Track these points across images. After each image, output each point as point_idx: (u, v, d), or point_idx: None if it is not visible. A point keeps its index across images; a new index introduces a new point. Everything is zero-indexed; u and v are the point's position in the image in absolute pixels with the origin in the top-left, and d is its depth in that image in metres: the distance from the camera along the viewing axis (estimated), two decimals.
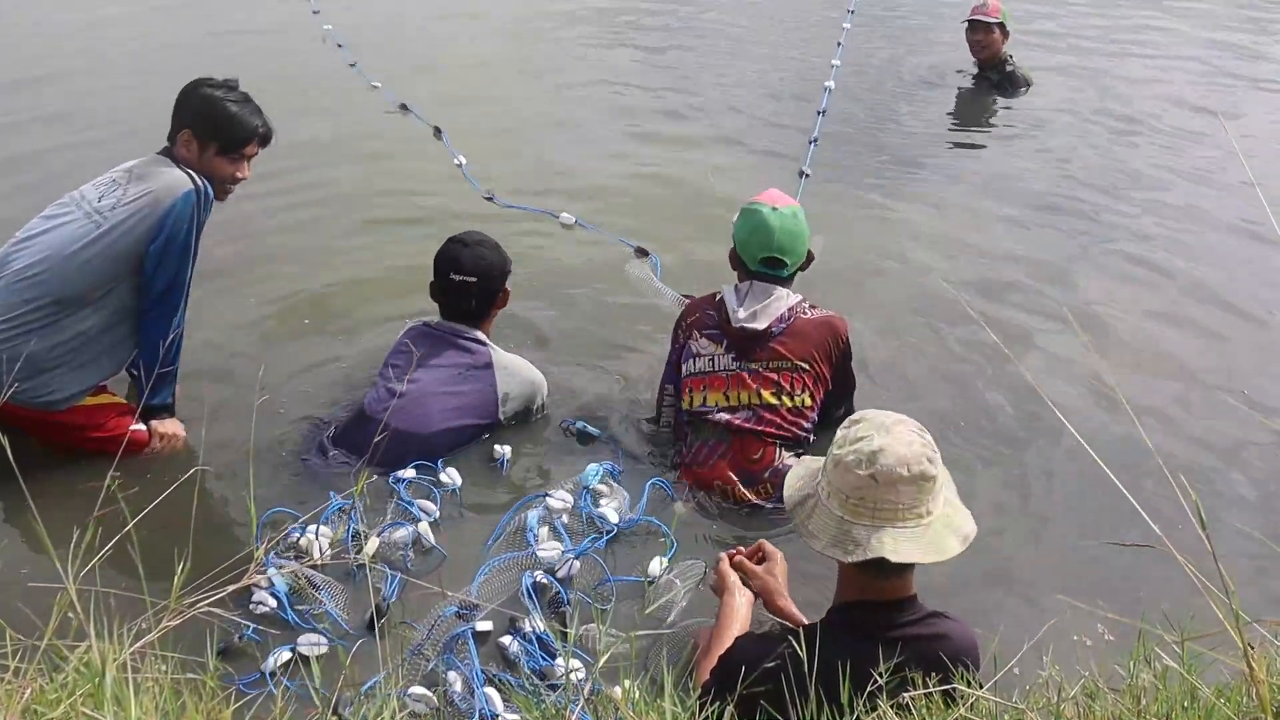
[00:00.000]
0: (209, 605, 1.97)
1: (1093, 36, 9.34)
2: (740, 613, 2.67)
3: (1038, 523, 3.47)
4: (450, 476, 3.46)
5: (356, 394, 3.84)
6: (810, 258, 3.61)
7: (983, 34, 7.46)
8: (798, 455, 3.48)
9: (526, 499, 3.36)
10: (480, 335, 3.72)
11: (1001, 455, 3.75)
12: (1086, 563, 3.26)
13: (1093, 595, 2.99)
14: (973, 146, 6.94)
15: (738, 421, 3.48)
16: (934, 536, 2.12)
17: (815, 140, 6.49)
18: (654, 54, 8.60)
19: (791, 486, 2.34)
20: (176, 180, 3.37)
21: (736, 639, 2.41)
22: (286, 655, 2.73)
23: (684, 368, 3.61)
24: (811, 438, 3.56)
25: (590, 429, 3.76)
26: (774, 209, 3.50)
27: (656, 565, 3.10)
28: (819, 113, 6.93)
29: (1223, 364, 4.39)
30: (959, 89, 7.83)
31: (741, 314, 3.49)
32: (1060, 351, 4.37)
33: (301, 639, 2.78)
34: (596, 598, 3.03)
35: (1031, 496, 3.57)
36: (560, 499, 3.34)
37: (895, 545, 2.09)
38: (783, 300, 3.52)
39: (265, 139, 3.56)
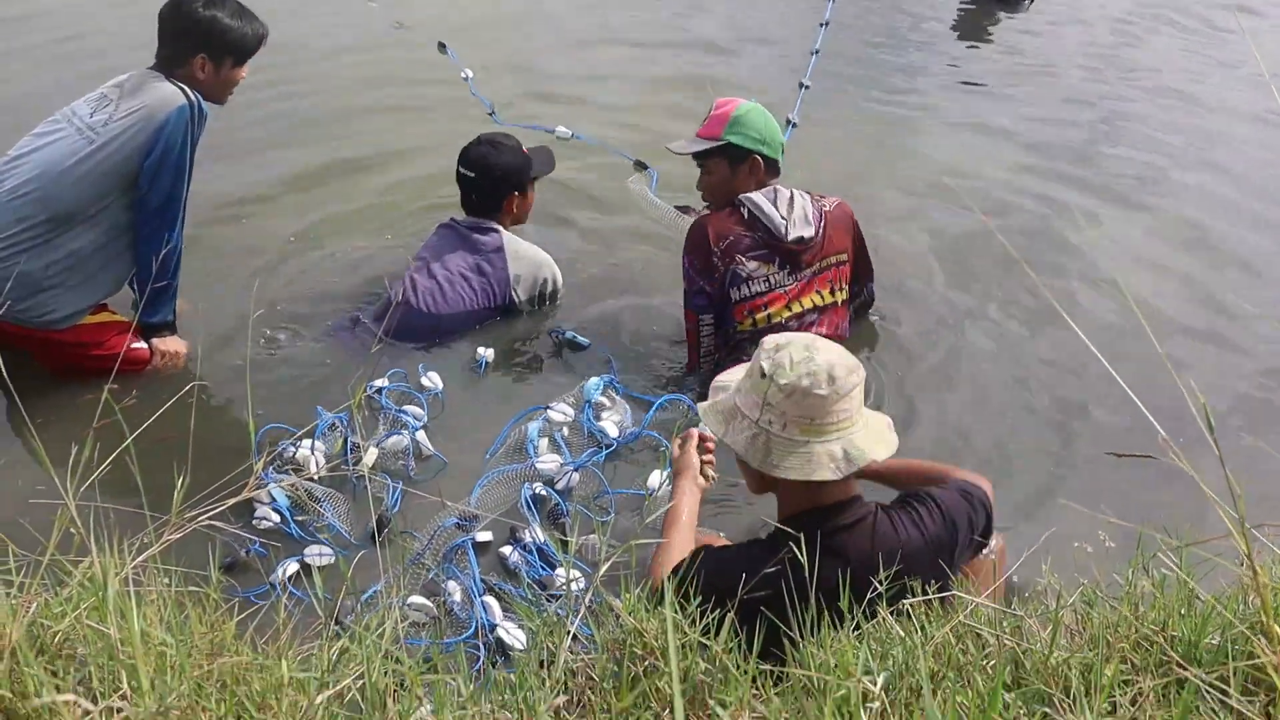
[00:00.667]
0: (210, 519, 1.98)
1: None
2: (688, 499, 2.59)
3: (1045, 431, 3.47)
4: (432, 380, 3.49)
5: (348, 305, 3.92)
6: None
7: None
8: None
9: (528, 410, 3.36)
10: (493, 225, 3.87)
11: (1010, 364, 3.75)
12: (1093, 474, 3.27)
13: (1097, 504, 3.00)
14: (976, 59, 6.83)
15: (806, 326, 3.47)
16: (875, 428, 2.18)
17: (817, 51, 6.35)
18: None
19: (730, 438, 2.22)
20: (169, 95, 3.31)
21: (727, 547, 2.39)
22: (294, 567, 2.75)
23: (733, 294, 3.47)
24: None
25: (580, 339, 3.76)
26: (752, 108, 3.49)
27: (656, 478, 3.11)
28: (822, 24, 6.76)
29: (1242, 270, 4.37)
30: (960, 5, 7.69)
31: (792, 227, 3.42)
32: (1073, 257, 4.34)
33: (307, 550, 2.80)
34: (595, 510, 3.04)
35: (1039, 406, 3.58)
36: (561, 411, 3.34)
37: (866, 445, 2.13)
38: (805, 198, 3.49)
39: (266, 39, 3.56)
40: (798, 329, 3.43)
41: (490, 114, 5.41)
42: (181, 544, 1.94)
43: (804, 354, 2.13)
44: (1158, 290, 4.22)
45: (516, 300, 3.86)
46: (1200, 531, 1.70)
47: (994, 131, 5.63)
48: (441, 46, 6.28)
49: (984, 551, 2.42)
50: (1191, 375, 3.51)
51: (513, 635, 2.54)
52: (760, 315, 3.48)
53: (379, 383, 3.43)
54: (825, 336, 3.33)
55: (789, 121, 4.78)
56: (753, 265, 3.45)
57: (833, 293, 3.55)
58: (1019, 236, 4.55)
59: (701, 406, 2.37)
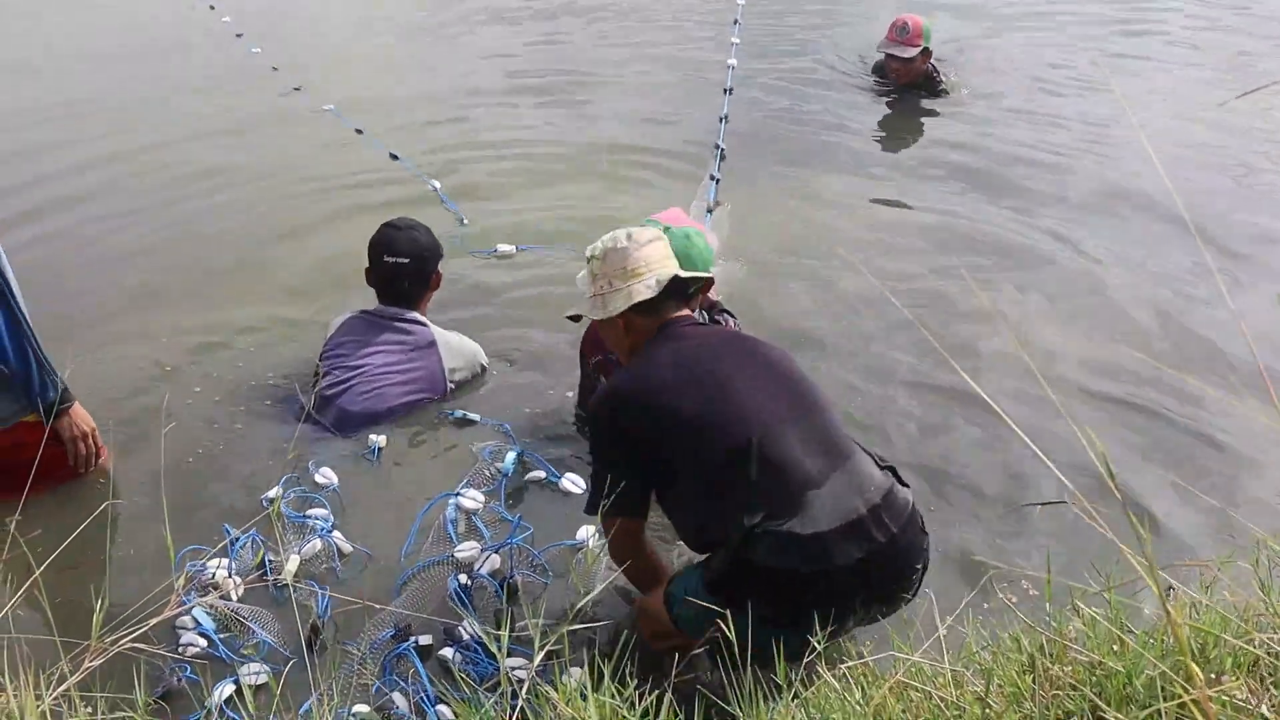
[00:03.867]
0: (132, 641, 1.92)
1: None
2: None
3: (961, 492, 3.46)
4: (326, 476, 3.41)
5: (265, 409, 3.84)
6: (710, 282, 3.32)
7: (901, 64, 7.00)
8: None
9: (436, 499, 3.31)
10: (418, 316, 3.87)
11: (922, 429, 3.76)
12: (1011, 529, 3.27)
13: (1014, 555, 3.06)
14: (885, 134, 6.83)
15: None
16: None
17: (725, 118, 6.37)
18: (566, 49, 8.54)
19: (590, 313, 2.88)
20: None
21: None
22: (230, 688, 2.64)
23: None
24: None
25: (470, 415, 3.76)
26: (666, 229, 3.26)
27: (585, 531, 3.13)
28: (722, 118, 6.76)
29: (1132, 328, 4.46)
30: (876, 92, 7.40)
31: None
32: (979, 332, 4.36)
33: (243, 670, 2.69)
34: (529, 574, 3.03)
35: (952, 467, 3.57)
36: (472, 498, 3.31)
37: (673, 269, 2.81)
38: None
39: None
40: None
41: (461, 222, 5.36)
42: (106, 671, 1.88)
43: (609, 233, 2.84)
44: (1053, 347, 4.30)
45: (450, 389, 3.87)
46: (1121, 567, 1.73)
47: (905, 203, 5.71)
48: (392, 156, 6.24)
49: None
50: (1092, 423, 3.57)
51: None
52: None
53: (271, 493, 3.33)
54: None
55: (713, 177, 4.79)
56: None
57: None
58: (928, 303, 4.63)
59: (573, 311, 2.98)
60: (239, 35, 8.00)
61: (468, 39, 8.85)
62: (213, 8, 8.61)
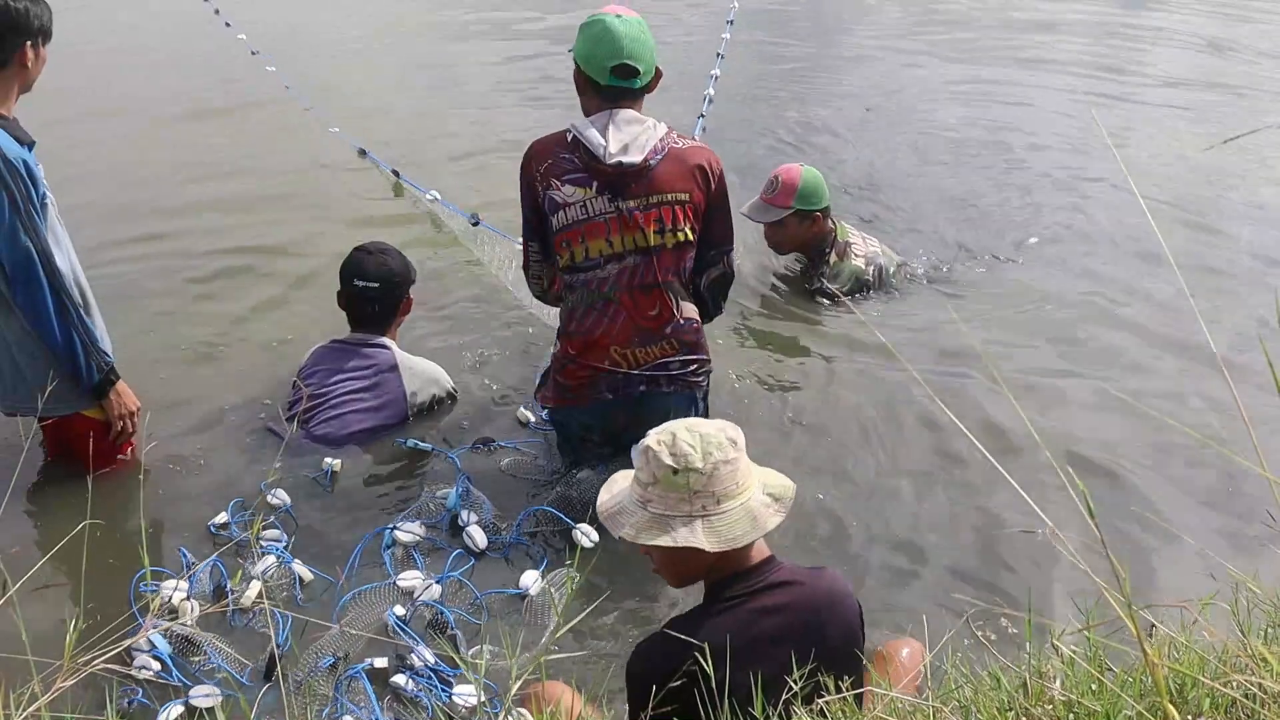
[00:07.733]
0: (105, 662, 1.90)
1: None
2: None
3: (941, 530, 3.48)
4: (279, 498, 3.40)
5: (244, 434, 3.85)
6: (659, 74, 3.27)
7: (769, 230, 4.91)
8: (692, 302, 3.41)
9: (375, 531, 3.30)
10: (385, 341, 3.87)
11: (903, 465, 3.78)
12: (991, 563, 3.29)
13: (993, 590, 3.08)
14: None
15: (628, 275, 3.28)
16: (749, 512, 2.14)
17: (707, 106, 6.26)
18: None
19: (602, 503, 2.29)
20: None
21: (635, 649, 2.28)
22: (178, 710, 2.61)
23: (553, 221, 3.27)
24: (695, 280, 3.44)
25: (421, 444, 3.74)
26: (618, 17, 3.18)
27: (530, 577, 3.10)
28: (701, 115, 6.70)
29: (1107, 363, 4.49)
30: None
31: (614, 148, 3.17)
32: (962, 371, 4.36)
33: (194, 691, 2.67)
34: (474, 613, 3.01)
35: (934, 500, 3.59)
36: (408, 530, 3.28)
37: (714, 531, 2.11)
38: (653, 130, 3.24)
39: None
40: (616, 273, 3.27)
41: (475, 224, 5.29)
42: (75, 691, 1.85)
43: (671, 428, 2.17)
44: (1039, 388, 4.30)
45: (410, 414, 3.86)
46: (1102, 605, 1.73)
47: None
48: (395, 174, 6.21)
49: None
50: (1073, 461, 3.55)
51: None
52: (579, 250, 3.27)
53: (220, 519, 3.32)
54: (646, 285, 3.26)
55: None
56: (569, 189, 3.24)
57: (661, 234, 3.25)
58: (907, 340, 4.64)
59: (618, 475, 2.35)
60: (255, 53, 7.99)
61: (481, 56, 8.98)
62: (228, 25, 8.59)
